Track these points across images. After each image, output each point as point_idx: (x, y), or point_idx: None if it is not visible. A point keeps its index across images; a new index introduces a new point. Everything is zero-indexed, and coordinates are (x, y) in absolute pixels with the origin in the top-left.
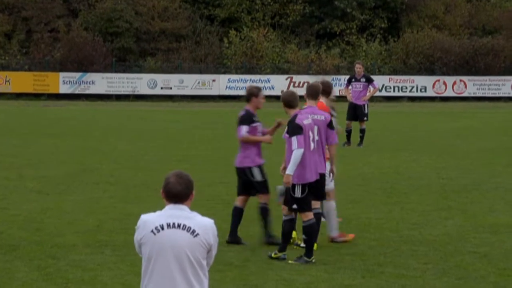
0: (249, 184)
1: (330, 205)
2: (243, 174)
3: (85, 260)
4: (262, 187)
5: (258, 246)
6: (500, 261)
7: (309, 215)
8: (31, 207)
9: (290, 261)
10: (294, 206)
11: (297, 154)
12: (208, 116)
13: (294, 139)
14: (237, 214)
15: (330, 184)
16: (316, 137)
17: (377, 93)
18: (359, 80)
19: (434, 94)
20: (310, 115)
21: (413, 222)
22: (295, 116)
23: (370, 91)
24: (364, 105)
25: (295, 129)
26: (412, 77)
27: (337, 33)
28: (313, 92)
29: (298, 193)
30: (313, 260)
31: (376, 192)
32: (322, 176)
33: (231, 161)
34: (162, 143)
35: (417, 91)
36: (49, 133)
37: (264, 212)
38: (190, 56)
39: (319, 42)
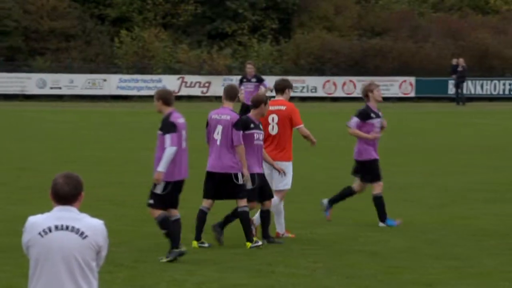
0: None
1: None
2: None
3: None
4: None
5: (150, 247)
6: (386, 259)
7: (157, 213)
8: None
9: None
10: (150, 201)
11: (170, 152)
12: (99, 116)
13: (168, 136)
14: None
15: (285, 185)
16: (219, 137)
17: (269, 93)
18: (250, 80)
19: (325, 95)
20: (218, 114)
21: (303, 221)
22: (170, 114)
23: (261, 91)
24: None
25: (169, 127)
26: (303, 78)
27: (229, 33)
28: (232, 95)
29: (159, 189)
30: (183, 249)
31: None
32: (230, 176)
33: (121, 161)
34: (51, 144)
35: (307, 91)
36: None
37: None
38: (80, 56)
39: (210, 42)
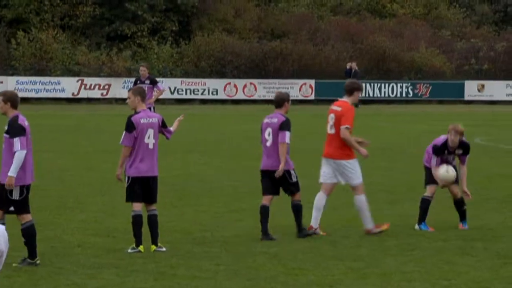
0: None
1: (361, 199)
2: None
3: None
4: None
5: (47, 251)
6: (289, 260)
7: (27, 218)
8: None
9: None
10: (11, 209)
11: (20, 155)
12: None
13: (17, 140)
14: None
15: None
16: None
17: (169, 96)
18: (144, 82)
19: (225, 97)
20: (146, 118)
21: (205, 224)
22: (16, 116)
23: (155, 93)
24: (150, 107)
25: (18, 130)
26: (203, 80)
27: (128, 35)
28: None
29: (16, 195)
30: (38, 262)
31: (167, 195)
32: (155, 178)
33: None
34: None
35: (208, 93)
36: None
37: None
38: None
39: (110, 44)
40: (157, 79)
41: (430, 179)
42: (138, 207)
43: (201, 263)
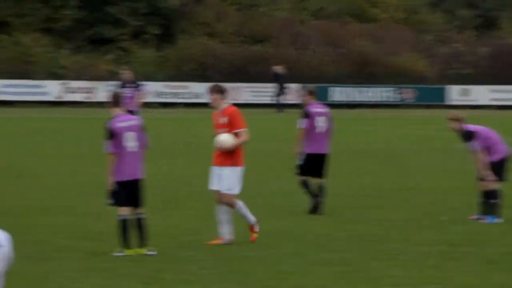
0: None
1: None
2: None
3: None
4: None
5: (33, 254)
6: (276, 264)
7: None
8: None
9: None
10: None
11: None
12: None
13: None
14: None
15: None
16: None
17: (153, 99)
18: (126, 86)
19: (208, 100)
20: (123, 122)
21: (191, 228)
22: None
23: (139, 96)
24: (132, 110)
25: None
26: (186, 84)
27: (110, 39)
28: (116, 101)
29: None
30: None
31: (152, 199)
32: (141, 181)
33: (0, 169)
34: None
35: (191, 97)
36: None
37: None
38: None
39: (92, 48)
40: (140, 83)
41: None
42: (124, 211)
43: (188, 267)
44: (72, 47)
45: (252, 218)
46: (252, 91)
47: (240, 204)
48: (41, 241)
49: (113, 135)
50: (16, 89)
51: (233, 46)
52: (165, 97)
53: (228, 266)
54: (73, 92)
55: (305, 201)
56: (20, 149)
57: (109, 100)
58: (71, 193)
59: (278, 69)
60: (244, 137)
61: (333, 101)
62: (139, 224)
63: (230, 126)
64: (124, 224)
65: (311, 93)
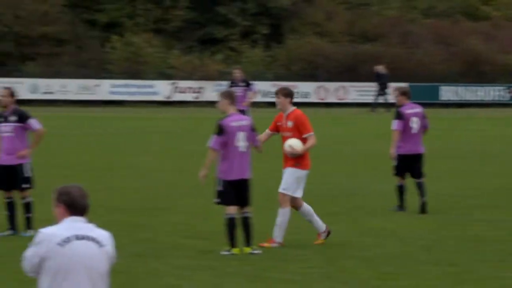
0: None
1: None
2: None
3: None
4: None
5: (144, 253)
6: (381, 265)
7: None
8: None
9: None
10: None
11: None
12: (91, 121)
13: None
14: None
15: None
16: (244, 143)
17: (261, 99)
18: (238, 85)
19: (317, 100)
20: (236, 121)
21: (297, 227)
22: None
23: (249, 95)
24: (243, 110)
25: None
26: (294, 83)
27: (220, 39)
28: (232, 100)
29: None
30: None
31: (259, 198)
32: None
33: (112, 166)
34: (42, 149)
35: (299, 97)
36: None
37: None
38: (72, 61)
39: (202, 48)
40: (251, 82)
41: None
42: (232, 210)
43: (294, 266)
44: (182, 48)
45: (322, 225)
46: (360, 91)
47: (306, 208)
48: (151, 239)
49: (223, 132)
50: (127, 89)
51: (342, 45)
52: (273, 97)
53: (333, 265)
54: (182, 92)
55: (414, 200)
56: (130, 148)
57: (223, 98)
58: (178, 192)
59: (380, 68)
60: (312, 141)
61: (443, 100)
62: (246, 223)
63: (297, 130)
64: (231, 223)
65: (404, 93)
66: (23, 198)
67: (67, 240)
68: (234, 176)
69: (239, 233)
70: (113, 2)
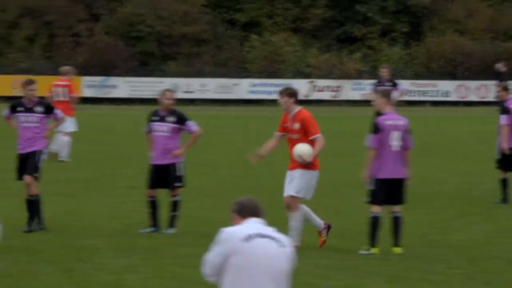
0: None
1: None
2: None
3: (110, 263)
4: None
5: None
6: None
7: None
8: (54, 210)
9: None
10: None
11: None
12: (230, 120)
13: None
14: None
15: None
16: (399, 142)
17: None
18: (384, 84)
19: (457, 99)
20: (391, 120)
21: (438, 227)
22: None
23: (395, 95)
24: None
25: None
26: (434, 82)
27: (358, 37)
28: (388, 99)
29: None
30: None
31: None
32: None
33: (252, 165)
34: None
35: (439, 95)
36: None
37: None
38: (212, 60)
39: (340, 47)
40: (398, 81)
41: None
42: (377, 209)
43: (435, 266)
44: (320, 46)
45: (320, 222)
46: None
47: (305, 209)
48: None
49: (379, 131)
50: (266, 88)
51: (483, 43)
52: (412, 95)
53: (476, 266)
54: (320, 91)
55: None
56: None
57: (380, 97)
58: (318, 191)
59: (500, 66)
60: (320, 144)
61: None
62: (396, 223)
63: (304, 132)
64: (375, 222)
65: (505, 88)
66: (173, 196)
67: (250, 237)
68: (386, 174)
69: (383, 233)
70: (252, 1)
